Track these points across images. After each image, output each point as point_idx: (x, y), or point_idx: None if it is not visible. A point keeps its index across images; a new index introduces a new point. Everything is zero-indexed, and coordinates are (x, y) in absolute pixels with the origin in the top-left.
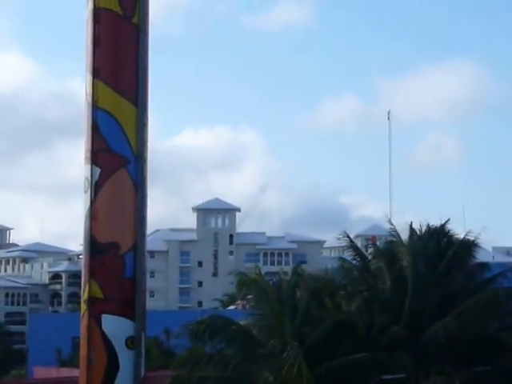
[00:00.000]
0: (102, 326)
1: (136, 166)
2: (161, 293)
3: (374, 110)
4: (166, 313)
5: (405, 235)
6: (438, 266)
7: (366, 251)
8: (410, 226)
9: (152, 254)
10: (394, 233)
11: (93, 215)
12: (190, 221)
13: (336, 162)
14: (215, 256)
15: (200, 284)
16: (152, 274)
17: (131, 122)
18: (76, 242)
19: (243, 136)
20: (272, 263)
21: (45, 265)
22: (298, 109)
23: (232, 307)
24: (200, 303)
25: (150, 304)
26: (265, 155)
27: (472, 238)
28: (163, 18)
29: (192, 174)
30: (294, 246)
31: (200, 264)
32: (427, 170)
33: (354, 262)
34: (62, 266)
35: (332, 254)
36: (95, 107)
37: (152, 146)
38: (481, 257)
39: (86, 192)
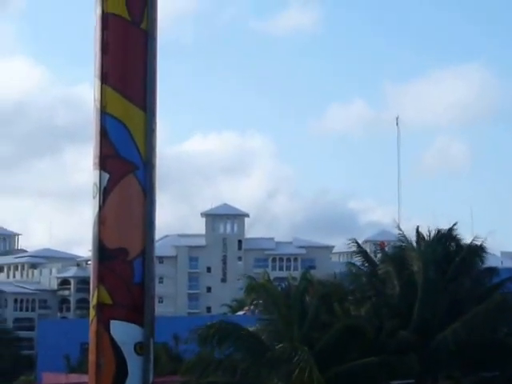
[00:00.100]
0: (111, 332)
1: (144, 171)
2: (169, 298)
3: (382, 115)
4: (174, 318)
5: (413, 240)
6: (447, 271)
7: (375, 256)
8: (417, 230)
9: (161, 259)
10: (403, 238)
11: (101, 221)
12: (199, 226)
13: (344, 168)
14: (224, 261)
15: (209, 290)
16: (161, 280)
17: (140, 127)
18: (84, 248)
19: (251, 141)
20: (281, 268)
21: (53, 270)
22: (307, 114)
23: (241, 313)
24: (209, 309)
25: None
26: (273, 160)
27: (480, 243)
28: (172, 23)
29: (201, 180)
30: (303, 251)
31: (209, 269)
32: (436, 175)
33: (363, 267)
34: (71, 272)
35: (341, 260)
36: (103, 113)
37: (160, 151)
38: (489, 262)
39: (94, 198)
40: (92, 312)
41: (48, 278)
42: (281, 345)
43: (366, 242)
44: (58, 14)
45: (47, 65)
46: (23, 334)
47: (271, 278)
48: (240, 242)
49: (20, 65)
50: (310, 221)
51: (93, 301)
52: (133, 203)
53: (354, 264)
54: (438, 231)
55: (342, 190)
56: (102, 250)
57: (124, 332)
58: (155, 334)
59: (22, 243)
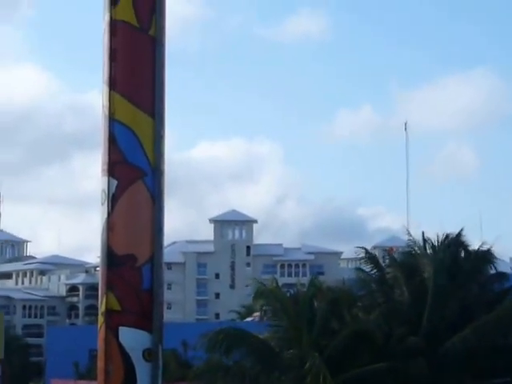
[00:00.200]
0: (120, 339)
1: (153, 178)
2: (178, 305)
3: (390, 120)
4: (183, 325)
5: (422, 246)
6: (456, 276)
7: (384, 262)
8: (423, 236)
9: (169, 265)
10: (413, 244)
11: (110, 227)
12: (207, 232)
13: (353, 173)
14: (232, 268)
15: (217, 296)
16: (169, 286)
17: (148, 134)
18: (93, 254)
19: (259, 147)
20: (289, 275)
21: (62, 277)
22: (315, 120)
23: (249, 319)
24: (217, 315)
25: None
26: (281, 166)
27: (489, 249)
28: (179, 30)
29: (209, 186)
30: (311, 257)
31: (217, 276)
32: (444, 181)
33: (372, 273)
34: (79, 279)
35: (349, 266)
36: (112, 119)
37: (169, 157)
38: (498, 267)
39: (102, 204)
40: (101, 318)
41: (57, 285)
42: (291, 351)
43: (374, 247)
44: (66, 21)
45: (55, 71)
46: (32, 340)
47: (280, 284)
48: (248, 248)
49: (28, 72)
50: (318, 227)
51: (101, 307)
52: (141, 209)
53: (362, 270)
54: (446, 236)
55: (351, 195)
56: (111, 257)
57: (133, 338)
58: (164, 340)
59: (31, 250)
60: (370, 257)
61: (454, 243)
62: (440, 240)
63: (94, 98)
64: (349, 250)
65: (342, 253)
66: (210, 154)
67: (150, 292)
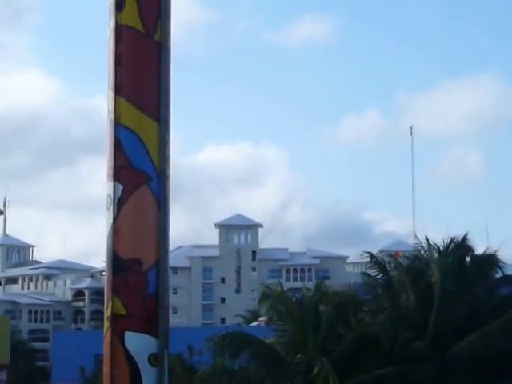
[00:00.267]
0: (125, 343)
1: (158, 182)
2: (183, 309)
3: (396, 125)
4: (188, 329)
5: (428, 251)
6: (462, 281)
7: (389, 267)
8: (427, 240)
9: (175, 270)
10: (420, 248)
11: (115, 232)
12: (213, 237)
13: (358, 177)
14: (238, 272)
15: (223, 300)
16: (175, 291)
17: (153, 138)
18: (98, 259)
19: (265, 151)
20: (295, 279)
21: (68, 282)
22: (320, 124)
23: (255, 323)
24: (223, 320)
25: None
26: (287, 171)
27: (494, 253)
28: (185, 35)
29: (214, 190)
30: (317, 261)
31: (223, 280)
32: (450, 185)
33: (378, 277)
34: (85, 283)
35: (355, 270)
36: (117, 124)
37: (174, 162)
38: (505, 272)
39: (108, 209)
40: (106, 323)
41: (62, 290)
42: (298, 356)
43: (380, 252)
44: (72, 27)
45: (62, 77)
46: (38, 345)
47: (285, 288)
48: (254, 252)
49: (35, 77)
50: (324, 231)
51: (107, 312)
52: (147, 214)
53: (368, 275)
54: (451, 241)
55: (356, 200)
56: (117, 261)
57: (138, 343)
58: (169, 345)
59: (37, 255)
60: (376, 261)
61: (460, 247)
62: (445, 244)
63: (101, 103)
64: (354, 254)
65: (347, 257)
66: (215, 159)
67: (155, 296)
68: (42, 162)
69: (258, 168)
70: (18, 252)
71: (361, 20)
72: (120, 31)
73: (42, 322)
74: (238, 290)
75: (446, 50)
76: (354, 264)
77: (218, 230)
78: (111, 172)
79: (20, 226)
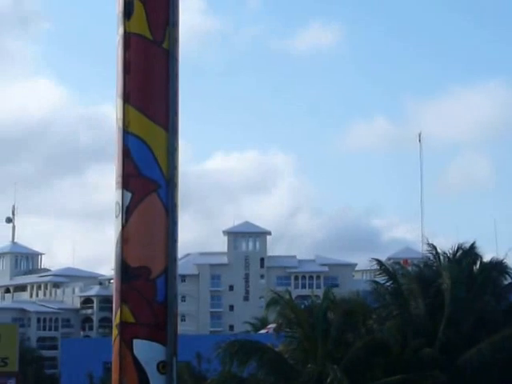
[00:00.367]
0: (134, 351)
1: (167, 190)
2: (192, 317)
3: (404, 131)
4: (197, 337)
5: (437, 258)
6: (471, 288)
7: (398, 274)
8: (435, 248)
9: (183, 277)
10: (430, 255)
11: (124, 240)
12: (221, 244)
13: (367, 184)
14: (246, 280)
15: (231, 308)
16: (183, 298)
17: (162, 146)
18: (107, 267)
19: (273, 159)
20: (303, 286)
21: (76, 289)
22: (328, 131)
23: (263, 331)
24: (231, 327)
25: (181, 328)
26: (295, 178)
27: (503, 259)
28: (193, 43)
29: (222, 198)
30: (326, 269)
31: (231, 288)
32: (459, 191)
33: (387, 285)
34: (94, 291)
35: (364, 277)
36: (126, 132)
37: (182, 170)
38: None
39: (117, 217)
40: (115, 331)
41: (71, 297)
42: (309, 365)
43: (389, 259)
44: (80, 34)
45: (70, 85)
46: (46, 353)
47: (294, 296)
48: (262, 260)
49: (43, 85)
50: (332, 238)
51: (116, 320)
52: (155, 222)
53: (377, 282)
54: (459, 248)
55: (365, 207)
56: (125, 269)
57: (147, 351)
58: (178, 352)
59: (46, 262)
60: (385, 269)
61: (469, 254)
62: (454, 251)
63: (109, 111)
64: (363, 261)
65: (356, 264)
66: (223, 166)
67: (164, 304)
68: (51, 169)
69: (266, 175)
70: (27, 260)
71: (368, 27)
72: (128, 39)
73: (50, 329)
74: (246, 298)
75: (455, 56)
76: (363, 271)
77: (226, 238)
78: (120, 180)
79: (28, 234)
